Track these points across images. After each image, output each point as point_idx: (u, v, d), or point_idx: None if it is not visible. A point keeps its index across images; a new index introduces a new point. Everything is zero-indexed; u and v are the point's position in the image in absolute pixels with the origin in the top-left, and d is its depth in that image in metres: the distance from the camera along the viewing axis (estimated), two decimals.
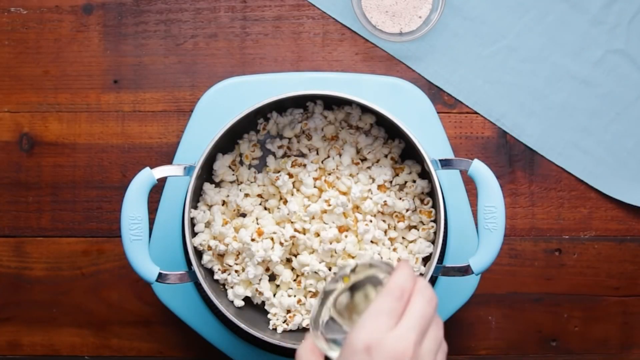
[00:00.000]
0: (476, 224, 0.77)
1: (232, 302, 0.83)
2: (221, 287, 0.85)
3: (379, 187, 0.83)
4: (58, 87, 0.93)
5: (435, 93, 0.92)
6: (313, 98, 0.86)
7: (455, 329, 0.93)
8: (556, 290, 0.93)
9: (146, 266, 0.76)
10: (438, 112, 0.89)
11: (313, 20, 0.92)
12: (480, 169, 0.76)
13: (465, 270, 0.76)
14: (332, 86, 0.87)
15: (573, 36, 0.91)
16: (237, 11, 0.92)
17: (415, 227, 0.85)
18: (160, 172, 0.77)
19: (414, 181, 0.84)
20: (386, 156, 0.85)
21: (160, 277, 0.76)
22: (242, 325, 0.77)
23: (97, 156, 0.93)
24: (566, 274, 0.93)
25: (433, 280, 0.86)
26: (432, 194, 0.82)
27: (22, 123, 0.93)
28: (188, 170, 0.78)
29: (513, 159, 0.92)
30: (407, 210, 0.83)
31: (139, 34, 0.92)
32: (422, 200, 0.84)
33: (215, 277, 0.83)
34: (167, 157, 0.92)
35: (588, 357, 0.93)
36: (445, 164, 0.78)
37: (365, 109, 0.84)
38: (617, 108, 0.92)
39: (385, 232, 0.84)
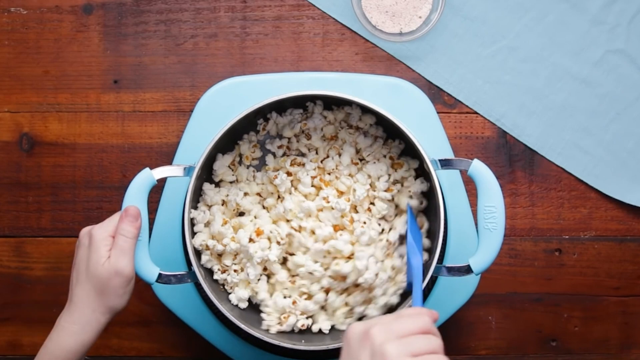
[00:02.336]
0: (476, 224, 0.77)
1: (237, 305, 0.83)
2: (221, 287, 0.84)
3: (371, 185, 0.84)
4: (58, 87, 0.93)
5: (435, 93, 0.92)
6: (313, 98, 0.86)
7: (455, 329, 0.93)
8: (556, 290, 0.93)
9: (146, 267, 0.76)
10: (438, 112, 0.89)
11: (313, 20, 0.92)
12: (480, 169, 0.76)
13: (465, 270, 0.76)
14: (332, 86, 0.87)
15: (573, 36, 0.91)
16: (237, 11, 0.92)
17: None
18: (160, 172, 0.77)
19: (415, 178, 0.84)
20: (385, 156, 0.85)
21: (160, 278, 0.76)
22: (243, 326, 0.77)
23: (97, 156, 0.93)
24: (566, 274, 0.93)
25: (433, 280, 0.86)
26: (432, 194, 0.82)
27: (22, 123, 0.93)
28: (188, 170, 0.78)
29: (513, 159, 0.92)
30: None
31: (139, 34, 0.92)
32: (420, 202, 0.84)
33: (215, 277, 0.83)
34: (167, 157, 0.92)
35: (588, 357, 0.93)
36: (445, 164, 0.78)
37: (365, 109, 0.84)
38: (617, 108, 0.92)
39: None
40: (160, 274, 0.76)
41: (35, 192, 0.93)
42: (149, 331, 0.94)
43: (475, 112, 0.92)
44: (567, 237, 0.93)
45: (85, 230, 0.75)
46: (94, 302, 0.73)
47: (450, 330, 0.93)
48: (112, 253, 0.73)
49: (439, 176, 0.79)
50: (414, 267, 0.76)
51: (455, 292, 0.86)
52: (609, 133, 0.92)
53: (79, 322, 0.73)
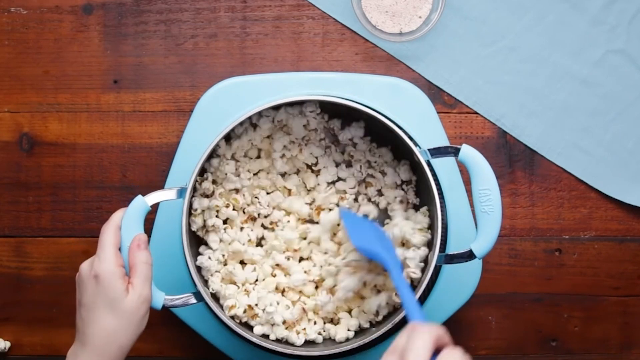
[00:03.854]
0: (476, 225, 0.76)
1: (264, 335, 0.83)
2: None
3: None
4: (58, 87, 0.93)
5: (435, 93, 0.92)
6: (311, 101, 0.85)
7: (455, 329, 0.93)
8: (556, 290, 0.93)
9: (152, 293, 0.75)
10: (438, 112, 0.89)
11: (313, 20, 0.92)
12: (470, 154, 0.75)
13: (467, 256, 0.75)
14: (332, 86, 0.87)
15: (573, 36, 0.91)
16: (237, 11, 0.92)
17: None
18: (153, 198, 0.76)
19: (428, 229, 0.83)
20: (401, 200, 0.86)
21: (166, 302, 0.75)
22: (247, 335, 0.78)
23: (97, 156, 0.93)
24: (566, 274, 0.93)
25: (433, 280, 0.86)
26: (424, 185, 0.81)
27: (22, 123, 0.93)
28: (180, 192, 0.77)
29: (513, 159, 0.92)
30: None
31: (139, 34, 0.92)
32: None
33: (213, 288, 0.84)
34: (167, 157, 0.92)
35: (588, 357, 0.93)
36: (435, 152, 0.77)
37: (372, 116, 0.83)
38: (617, 108, 0.92)
39: None
40: (165, 299, 0.75)
41: (35, 192, 0.93)
42: (149, 331, 0.92)
43: (475, 112, 0.92)
44: (567, 237, 0.93)
45: (85, 270, 0.72)
46: (120, 337, 0.71)
47: (450, 330, 0.92)
48: (136, 283, 0.71)
49: (437, 171, 0.78)
50: (398, 279, 0.72)
51: (455, 292, 0.86)
52: (609, 133, 0.92)
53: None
